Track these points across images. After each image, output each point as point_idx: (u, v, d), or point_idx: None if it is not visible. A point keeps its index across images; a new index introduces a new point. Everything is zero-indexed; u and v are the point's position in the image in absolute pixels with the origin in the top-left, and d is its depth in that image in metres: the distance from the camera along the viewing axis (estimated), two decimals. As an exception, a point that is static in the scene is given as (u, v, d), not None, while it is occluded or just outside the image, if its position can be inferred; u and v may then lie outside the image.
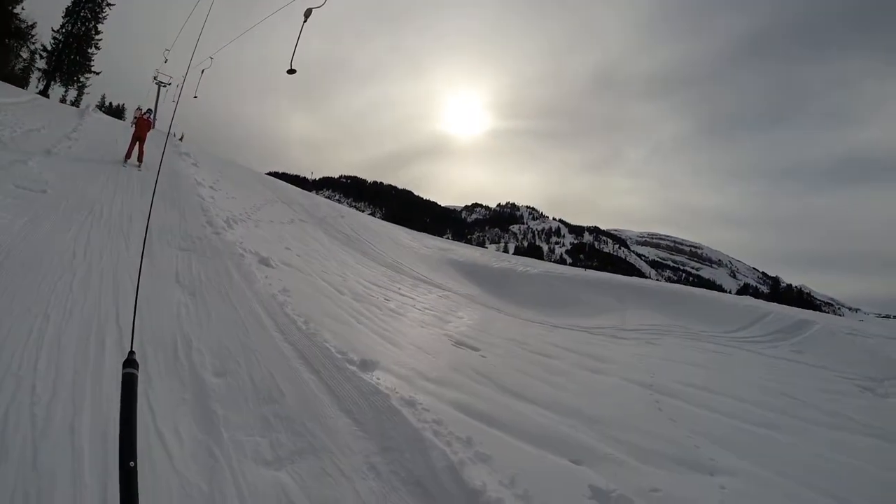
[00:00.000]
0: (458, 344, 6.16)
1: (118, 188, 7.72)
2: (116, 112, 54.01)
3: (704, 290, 20.27)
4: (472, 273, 17.55)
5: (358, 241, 14.69)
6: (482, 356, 5.75)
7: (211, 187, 10.92)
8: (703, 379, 6.33)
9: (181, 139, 24.35)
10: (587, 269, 23.02)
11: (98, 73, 30.43)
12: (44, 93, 29.16)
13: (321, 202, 19.41)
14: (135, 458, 0.80)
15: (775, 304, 16.62)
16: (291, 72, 4.99)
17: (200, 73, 9.63)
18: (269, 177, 23.97)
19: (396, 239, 18.67)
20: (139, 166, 10.22)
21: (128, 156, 10.37)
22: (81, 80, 29.57)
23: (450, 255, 19.30)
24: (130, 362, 1.00)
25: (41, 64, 29.89)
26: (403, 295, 8.83)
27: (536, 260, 27.52)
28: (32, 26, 26.67)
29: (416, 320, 6.96)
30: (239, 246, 6.69)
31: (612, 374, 6.07)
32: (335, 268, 9.05)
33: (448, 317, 7.95)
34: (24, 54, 29.48)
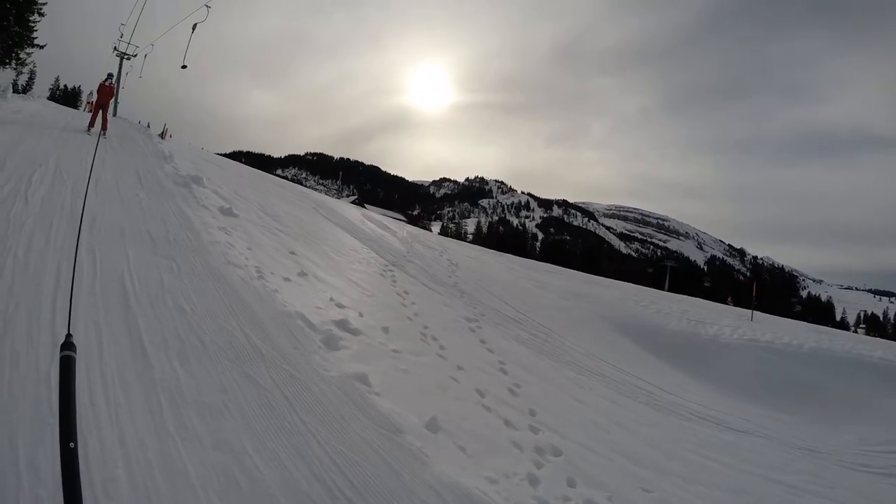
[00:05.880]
0: None
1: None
2: (71, 96, 44.80)
3: None
4: (641, 338, 12.37)
5: (532, 326, 9.13)
6: None
7: (318, 307, 4.27)
8: None
9: (162, 135, 15.11)
10: (754, 312, 17.36)
11: (42, 47, 22.83)
12: (-30, 76, 21.51)
13: (406, 233, 13.42)
14: (75, 440, 0.74)
15: None
16: (183, 67, 5.13)
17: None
18: (304, 188, 17.77)
19: (533, 294, 12.93)
20: (103, 133, 9.61)
21: (91, 124, 10.04)
22: (21, 55, 21.91)
23: (591, 305, 13.73)
24: (68, 345, 0.85)
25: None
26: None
27: (714, 305, 20.86)
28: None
29: None
30: None
31: None
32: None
33: None
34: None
